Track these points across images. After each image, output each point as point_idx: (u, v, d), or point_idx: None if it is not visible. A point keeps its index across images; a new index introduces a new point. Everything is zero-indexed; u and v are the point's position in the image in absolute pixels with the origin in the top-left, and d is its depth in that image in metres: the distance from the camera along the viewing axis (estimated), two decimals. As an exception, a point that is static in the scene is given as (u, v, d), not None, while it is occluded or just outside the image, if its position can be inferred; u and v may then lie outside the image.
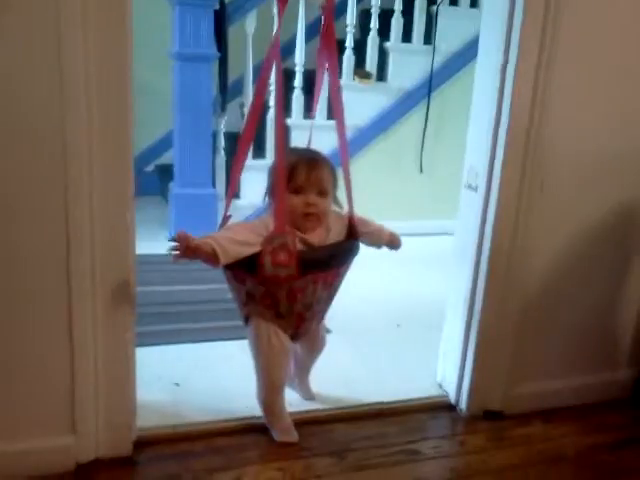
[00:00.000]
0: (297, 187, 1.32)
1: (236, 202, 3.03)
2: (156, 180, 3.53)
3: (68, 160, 1.17)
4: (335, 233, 1.41)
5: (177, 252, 1.19)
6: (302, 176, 1.32)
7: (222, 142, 3.04)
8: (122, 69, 1.18)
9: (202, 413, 1.53)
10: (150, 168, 3.72)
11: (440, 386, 1.73)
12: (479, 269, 1.56)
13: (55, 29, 1.11)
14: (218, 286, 2.35)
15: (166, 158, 3.55)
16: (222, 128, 3.04)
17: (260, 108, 1.37)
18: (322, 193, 1.35)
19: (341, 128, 1.43)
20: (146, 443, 1.42)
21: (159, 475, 1.35)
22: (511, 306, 1.58)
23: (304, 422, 1.53)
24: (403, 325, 2.17)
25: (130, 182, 1.24)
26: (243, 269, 1.30)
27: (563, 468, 1.49)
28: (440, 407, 1.67)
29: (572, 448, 1.55)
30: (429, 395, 1.70)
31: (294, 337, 1.43)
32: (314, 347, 1.56)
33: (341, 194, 1.44)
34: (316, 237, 1.36)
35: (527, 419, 1.63)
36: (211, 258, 1.21)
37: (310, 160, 1.35)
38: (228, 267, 1.30)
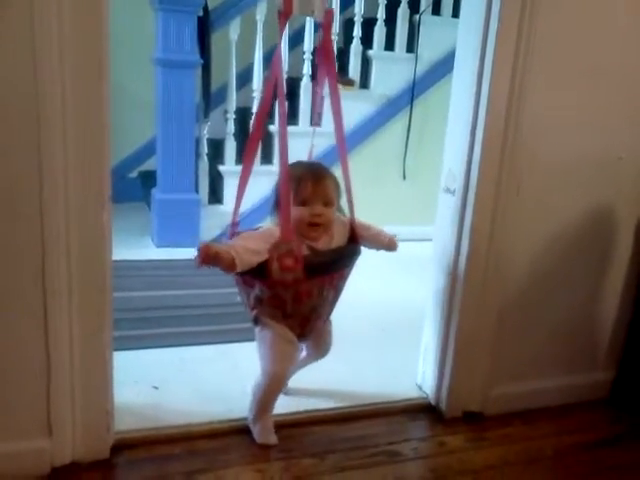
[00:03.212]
0: (303, 199, 1.38)
1: (219, 208, 3.04)
2: (139, 186, 3.52)
3: (43, 160, 1.16)
4: (338, 238, 1.47)
5: (200, 259, 1.24)
6: (308, 189, 1.38)
7: (205, 148, 3.05)
8: (98, 67, 1.17)
9: (181, 416, 1.52)
10: (133, 175, 3.71)
11: (420, 388, 1.74)
12: (457, 271, 1.57)
13: (29, 27, 1.10)
14: (198, 291, 2.37)
15: (149, 165, 3.53)
16: (205, 134, 3.04)
17: (265, 117, 1.44)
18: (327, 204, 1.41)
19: (340, 135, 1.49)
20: (124, 446, 1.41)
21: (137, 478, 1.34)
22: (489, 308, 1.59)
23: (285, 424, 1.52)
24: (386, 329, 2.18)
25: (107, 182, 1.24)
26: (252, 274, 1.35)
27: (542, 468, 1.50)
28: (420, 409, 1.67)
29: (551, 448, 1.56)
30: (409, 397, 1.71)
31: (301, 337, 1.47)
32: (320, 350, 1.61)
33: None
34: (321, 244, 1.43)
35: (506, 420, 1.64)
36: (229, 266, 1.27)
37: (315, 173, 1.42)
38: (238, 272, 1.35)
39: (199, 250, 1.24)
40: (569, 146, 1.57)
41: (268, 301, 1.39)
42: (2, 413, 1.27)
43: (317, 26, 2.79)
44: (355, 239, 1.50)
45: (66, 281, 1.23)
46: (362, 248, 1.52)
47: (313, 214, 1.39)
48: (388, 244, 1.57)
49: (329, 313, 1.53)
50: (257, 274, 1.34)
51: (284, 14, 1.35)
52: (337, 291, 1.48)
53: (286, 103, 1.38)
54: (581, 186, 1.62)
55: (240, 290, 1.46)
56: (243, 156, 1.48)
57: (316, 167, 1.46)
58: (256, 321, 1.45)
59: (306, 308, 1.41)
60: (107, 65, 1.19)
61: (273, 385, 1.46)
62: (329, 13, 1.45)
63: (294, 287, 1.35)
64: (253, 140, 1.49)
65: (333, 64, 1.48)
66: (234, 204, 1.47)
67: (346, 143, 1.55)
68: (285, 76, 3.03)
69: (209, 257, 1.24)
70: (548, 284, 1.66)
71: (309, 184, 1.38)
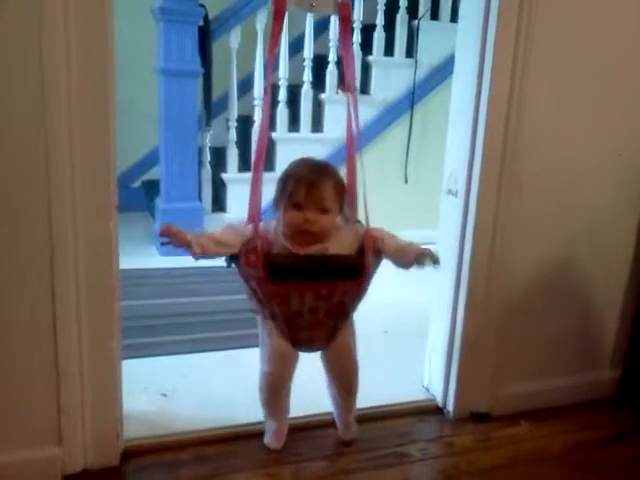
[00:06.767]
0: (297, 203, 1.30)
1: (223, 216, 3.05)
2: (142, 196, 3.53)
3: (50, 170, 1.18)
4: (338, 246, 1.36)
5: (161, 231, 1.28)
6: (302, 193, 1.30)
7: (207, 157, 3.07)
8: (103, 76, 1.20)
9: (189, 423, 1.53)
10: (137, 184, 3.72)
11: (427, 390, 1.74)
12: (461, 272, 1.58)
13: (36, 40, 1.12)
14: (204, 299, 2.38)
15: (152, 174, 3.55)
16: (207, 143, 3.06)
17: (269, 125, 1.44)
18: (324, 210, 1.31)
19: (351, 142, 1.49)
20: (134, 453, 1.41)
21: (147, 484, 1.35)
22: (494, 308, 1.60)
23: (294, 427, 1.53)
24: (390, 332, 2.19)
25: (113, 190, 1.25)
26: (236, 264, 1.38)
27: (550, 467, 1.50)
28: (428, 410, 1.68)
29: (558, 447, 1.57)
30: (416, 399, 1.71)
31: (296, 344, 1.40)
32: (335, 373, 1.48)
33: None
34: (309, 251, 1.34)
35: (513, 420, 1.64)
36: (188, 248, 1.30)
37: (313, 177, 1.32)
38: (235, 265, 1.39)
39: (165, 227, 1.28)
40: (570, 148, 1.58)
41: (252, 295, 1.39)
42: (13, 421, 1.28)
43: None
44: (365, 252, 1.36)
45: (74, 290, 1.25)
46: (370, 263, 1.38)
47: (305, 220, 1.30)
48: (418, 257, 1.34)
49: (330, 327, 1.40)
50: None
51: (277, 10, 1.30)
52: (336, 304, 1.36)
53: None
54: (582, 188, 1.63)
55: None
56: (254, 159, 1.42)
57: (318, 169, 1.35)
58: (254, 310, 1.45)
59: (285, 312, 1.35)
60: (113, 76, 1.21)
61: (266, 385, 1.44)
62: (346, 6, 1.36)
63: (262, 285, 1.33)
64: (259, 151, 1.39)
65: (352, 60, 1.47)
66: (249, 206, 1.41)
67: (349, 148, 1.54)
68: (286, 83, 3.08)
69: (169, 231, 1.27)
70: (552, 282, 1.67)
71: (303, 189, 1.29)
